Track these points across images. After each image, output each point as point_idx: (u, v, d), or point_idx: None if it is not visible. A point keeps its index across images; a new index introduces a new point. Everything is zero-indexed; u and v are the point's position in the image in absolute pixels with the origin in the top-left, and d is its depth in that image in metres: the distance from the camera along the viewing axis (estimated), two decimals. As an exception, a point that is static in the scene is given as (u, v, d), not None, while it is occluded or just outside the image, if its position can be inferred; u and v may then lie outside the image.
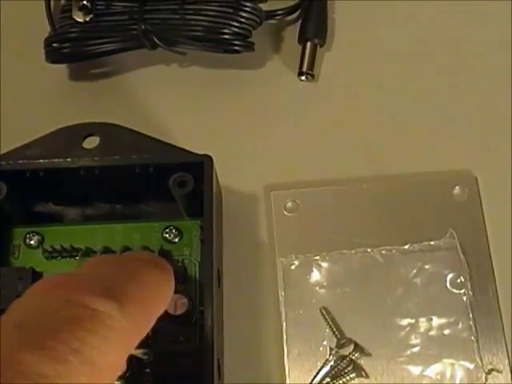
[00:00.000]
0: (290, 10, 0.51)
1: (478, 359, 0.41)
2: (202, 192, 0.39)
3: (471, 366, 0.41)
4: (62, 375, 0.24)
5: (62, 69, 0.51)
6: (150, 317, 0.30)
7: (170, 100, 0.50)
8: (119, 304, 0.28)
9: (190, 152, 0.41)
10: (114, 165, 0.41)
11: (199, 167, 0.40)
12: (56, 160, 0.41)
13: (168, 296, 0.32)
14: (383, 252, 0.44)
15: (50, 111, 0.49)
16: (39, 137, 0.42)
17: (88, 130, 0.43)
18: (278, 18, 0.51)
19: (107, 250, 0.41)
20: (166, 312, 0.37)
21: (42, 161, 0.41)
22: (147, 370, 0.38)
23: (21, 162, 0.41)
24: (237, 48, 0.48)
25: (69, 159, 0.41)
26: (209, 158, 0.40)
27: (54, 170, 0.41)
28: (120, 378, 0.36)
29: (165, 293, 0.32)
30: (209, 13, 0.47)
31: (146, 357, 0.38)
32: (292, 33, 0.51)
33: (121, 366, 0.28)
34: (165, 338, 0.38)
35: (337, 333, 0.42)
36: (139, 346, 0.37)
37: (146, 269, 0.31)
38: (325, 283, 0.43)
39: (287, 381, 0.41)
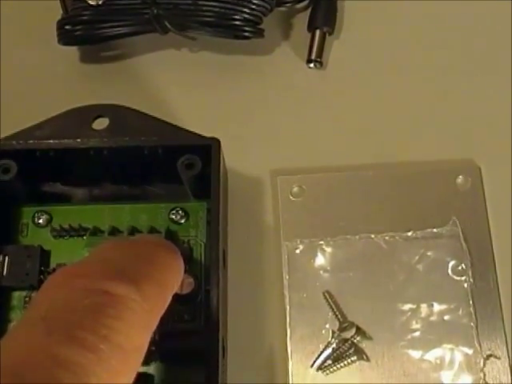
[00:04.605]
0: (301, -2, 0.52)
1: (476, 345, 0.41)
2: (209, 174, 0.40)
3: (470, 352, 0.41)
4: (94, 363, 0.25)
5: (73, 51, 0.51)
6: (166, 296, 0.31)
7: (180, 84, 0.50)
8: (137, 287, 0.28)
9: (199, 135, 0.41)
10: (122, 146, 0.41)
11: (207, 150, 0.40)
12: (66, 140, 0.41)
13: (179, 276, 0.33)
14: (386, 238, 0.44)
15: (61, 92, 0.50)
16: (49, 117, 0.43)
17: (97, 111, 0.43)
18: (288, 5, 0.51)
19: (114, 230, 0.41)
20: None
21: (51, 141, 0.41)
22: (153, 348, 0.38)
23: (31, 142, 0.41)
24: (247, 34, 0.48)
25: (78, 140, 0.41)
26: (217, 141, 0.41)
27: (64, 151, 0.41)
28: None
29: (176, 273, 0.33)
30: (220, -1, 0.47)
31: (151, 335, 0.38)
32: (302, 20, 0.51)
33: (145, 348, 0.29)
34: (170, 317, 0.38)
35: (339, 316, 0.42)
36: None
37: (157, 251, 0.32)
38: (328, 267, 0.44)
39: (289, 362, 0.42)
